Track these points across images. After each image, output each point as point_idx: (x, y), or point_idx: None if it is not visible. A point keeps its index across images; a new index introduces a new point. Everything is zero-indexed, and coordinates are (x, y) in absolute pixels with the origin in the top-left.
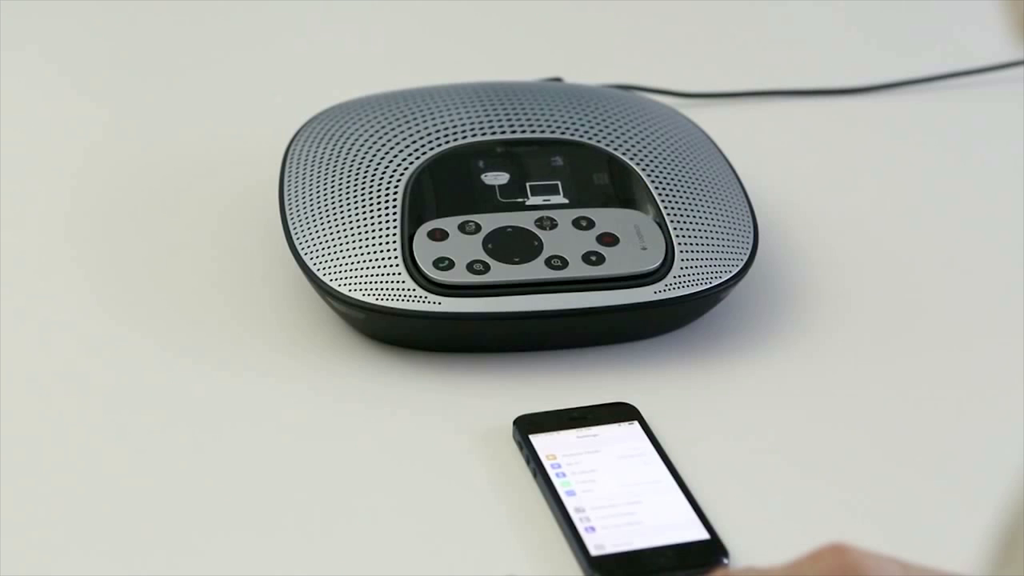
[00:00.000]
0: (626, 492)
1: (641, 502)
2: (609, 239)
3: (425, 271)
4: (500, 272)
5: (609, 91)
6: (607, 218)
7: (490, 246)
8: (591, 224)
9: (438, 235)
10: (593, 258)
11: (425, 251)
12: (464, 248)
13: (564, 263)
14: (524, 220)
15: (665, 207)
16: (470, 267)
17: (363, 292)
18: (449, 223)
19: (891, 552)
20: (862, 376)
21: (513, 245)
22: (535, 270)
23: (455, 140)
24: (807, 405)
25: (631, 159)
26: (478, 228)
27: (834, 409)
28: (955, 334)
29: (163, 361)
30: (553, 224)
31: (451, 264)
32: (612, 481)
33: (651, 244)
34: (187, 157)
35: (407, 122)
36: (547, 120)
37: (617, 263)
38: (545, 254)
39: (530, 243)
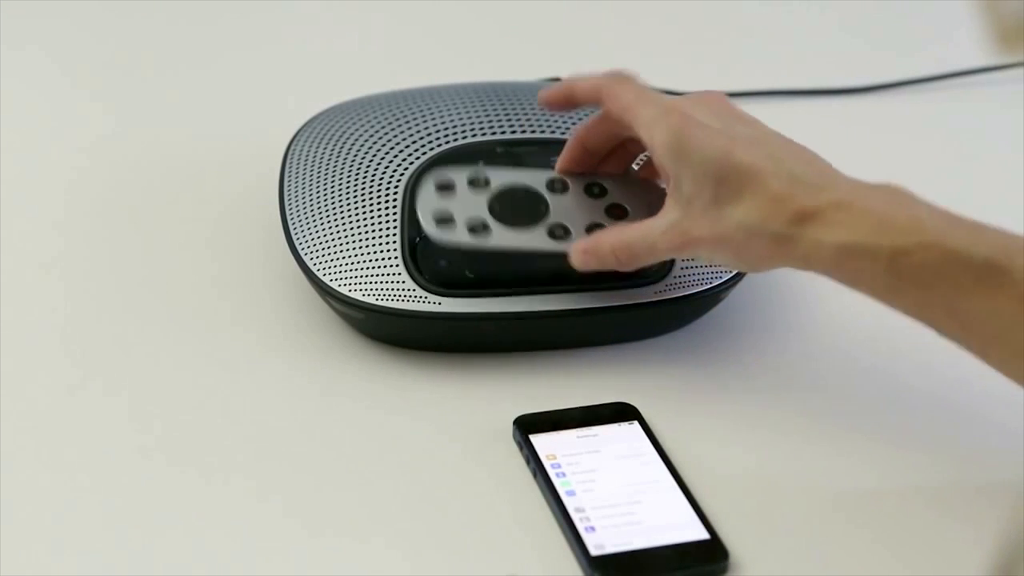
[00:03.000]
0: (626, 492)
1: (641, 502)
2: (619, 211)
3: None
4: (499, 236)
5: None
6: (619, 188)
7: (496, 207)
8: (603, 192)
9: (445, 187)
10: (596, 230)
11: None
12: (468, 205)
13: (566, 232)
14: (536, 180)
15: None
16: (470, 227)
17: (363, 292)
18: (459, 175)
19: (892, 553)
20: (862, 375)
21: (518, 207)
22: (535, 239)
23: (455, 140)
24: (807, 405)
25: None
26: (487, 184)
27: (834, 409)
28: None
29: (162, 360)
30: (564, 188)
31: (451, 221)
32: (612, 481)
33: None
34: (187, 157)
35: (407, 122)
36: (547, 120)
37: None
38: (549, 221)
39: (536, 207)
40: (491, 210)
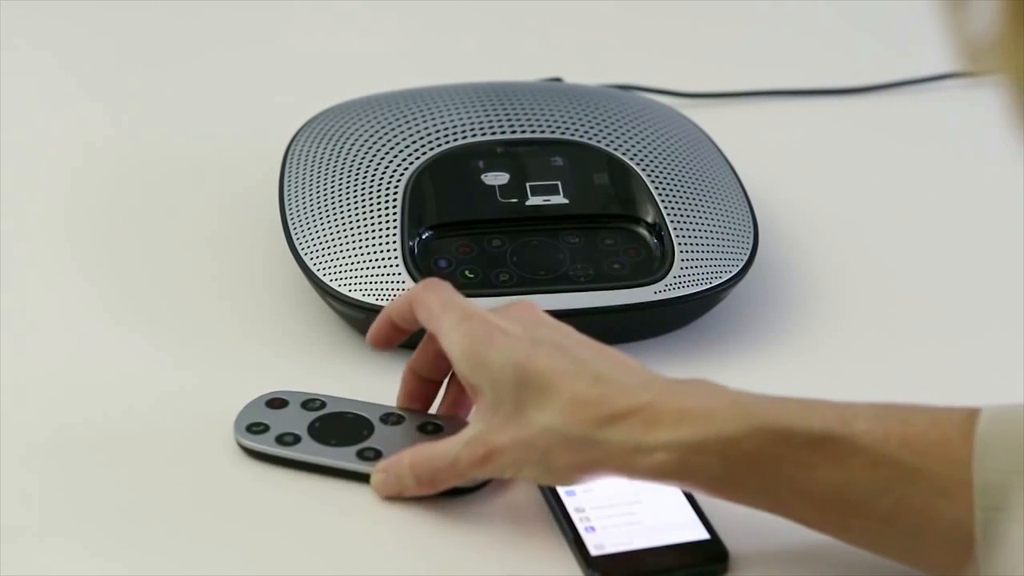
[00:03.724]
0: (626, 492)
1: (641, 502)
2: None
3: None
4: (307, 448)
5: (609, 91)
6: (455, 428)
7: (317, 424)
8: (437, 430)
9: (277, 403)
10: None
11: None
12: (290, 420)
13: (377, 455)
14: (372, 411)
15: (665, 207)
16: (279, 437)
17: (363, 292)
18: (296, 396)
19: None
20: (862, 376)
21: (341, 429)
22: (342, 456)
23: (455, 140)
24: None
25: (631, 159)
26: (320, 407)
27: None
28: (955, 333)
29: (162, 361)
30: (399, 421)
31: (265, 430)
32: (612, 481)
33: None
34: (187, 157)
35: (407, 122)
36: (547, 120)
37: None
38: (364, 444)
39: (359, 432)
40: (310, 427)
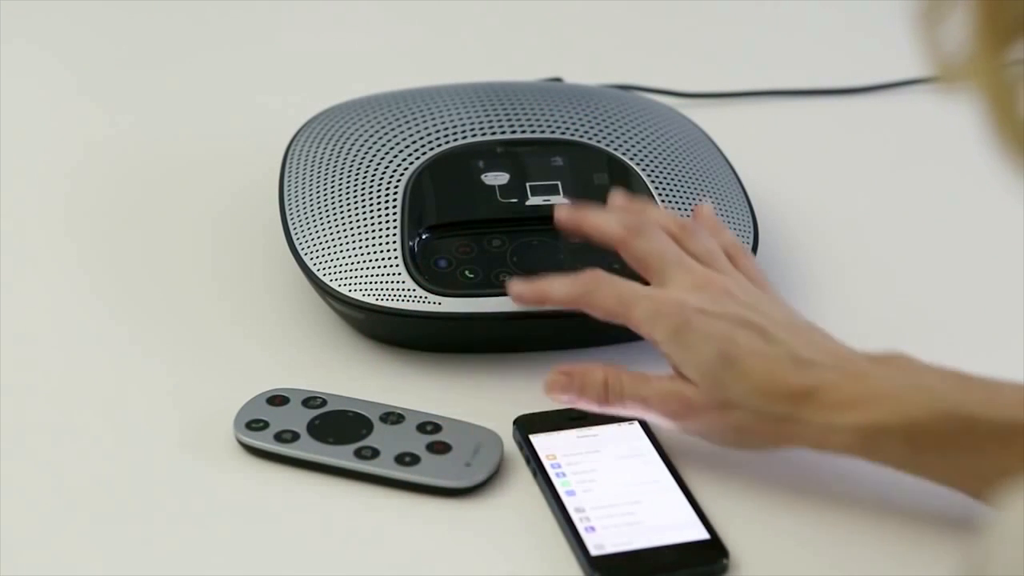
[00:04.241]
0: (626, 492)
1: (641, 502)
2: (440, 447)
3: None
4: (305, 446)
5: (609, 91)
6: (452, 430)
7: (316, 422)
8: (436, 429)
9: (278, 401)
10: (407, 459)
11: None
12: (290, 417)
13: (374, 454)
14: (371, 409)
15: (665, 207)
16: (278, 434)
17: (363, 292)
18: (297, 394)
19: (891, 553)
20: None
21: (339, 427)
22: (340, 454)
23: (455, 140)
24: None
25: (631, 159)
26: (321, 404)
27: None
28: (955, 333)
29: (161, 360)
30: (399, 420)
31: (264, 427)
32: (612, 481)
33: (479, 463)
34: (187, 156)
35: (407, 122)
36: (547, 120)
37: (428, 472)
38: (362, 443)
39: (357, 430)
40: (310, 425)
